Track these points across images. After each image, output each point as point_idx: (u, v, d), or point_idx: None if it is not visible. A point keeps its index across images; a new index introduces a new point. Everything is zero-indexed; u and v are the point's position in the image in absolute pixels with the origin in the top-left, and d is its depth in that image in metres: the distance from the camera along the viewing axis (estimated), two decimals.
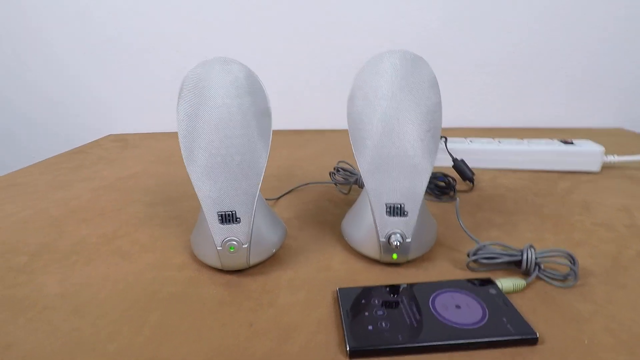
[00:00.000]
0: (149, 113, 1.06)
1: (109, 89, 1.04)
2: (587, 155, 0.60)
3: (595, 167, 0.60)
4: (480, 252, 0.37)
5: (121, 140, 0.97)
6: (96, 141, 0.98)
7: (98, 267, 0.40)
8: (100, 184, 0.65)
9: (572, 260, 0.35)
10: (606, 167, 0.62)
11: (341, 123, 1.01)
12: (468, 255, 0.37)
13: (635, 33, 0.84)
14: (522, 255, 0.36)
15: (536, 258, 0.35)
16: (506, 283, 0.34)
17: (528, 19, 0.86)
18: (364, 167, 0.37)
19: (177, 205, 0.55)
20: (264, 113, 0.37)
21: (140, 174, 0.70)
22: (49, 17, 0.97)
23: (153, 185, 0.63)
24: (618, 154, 0.62)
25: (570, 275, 0.35)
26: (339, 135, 0.93)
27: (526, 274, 0.36)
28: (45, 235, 0.48)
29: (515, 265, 0.37)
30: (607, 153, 0.61)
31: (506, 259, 0.36)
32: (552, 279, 0.35)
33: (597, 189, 0.55)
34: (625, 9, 0.83)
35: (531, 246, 0.36)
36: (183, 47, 0.97)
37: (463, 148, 0.65)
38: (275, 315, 0.32)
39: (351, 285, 0.36)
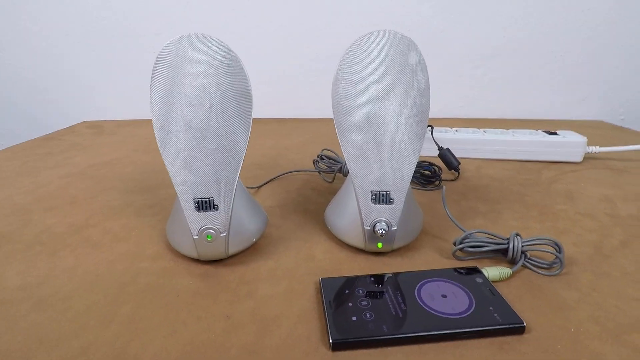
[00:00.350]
0: (126, 100, 1.01)
1: (86, 74, 0.99)
2: (571, 145, 0.60)
3: (578, 157, 0.61)
4: (466, 240, 0.36)
5: (96, 127, 0.93)
6: (69, 127, 0.93)
7: (64, 258, 0.37)
8: (72, 171, 0.62)
9: (558, 248, 0.34)
10: (588, 158, 0.63)
11: (328, 112, 0.99)
12: (454, 244, 0.37)
13: (617, 28, 0.85)
14: (508, 243, 0.35)
15: (522, 246, 0.35)
16: (492, 272, 0.33)
17: (517, 13, 0.86)
18: (348, 153, 0.35)
19: (154, 194, 0.52)
20: (244, 95, 0.34)
21: (115, 161, 0.67)
22: None
23: (129, 173, 0.60)
24: (600, 145, 0.63)
25: (555, 263, 0.35)
26: (325, 125, 0.91)
27: (512, 262, 0.36)
28: (7, 224, 0.44)
29: (501, 254, 0.36)
30: (589, 144, 0.62)
31: (492, 247, 0.36)
32: (538, 267, 0.35)
33: (580, 179, 0.55)
34: (612, 5, 0.83)
35: (517, 234, 0.35)
36: (164, 31, 0.93)
37: (449, 137, 0.65)
38: (254, 308, 0.31)
39: (335, 275, 0.34)
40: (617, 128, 0.85)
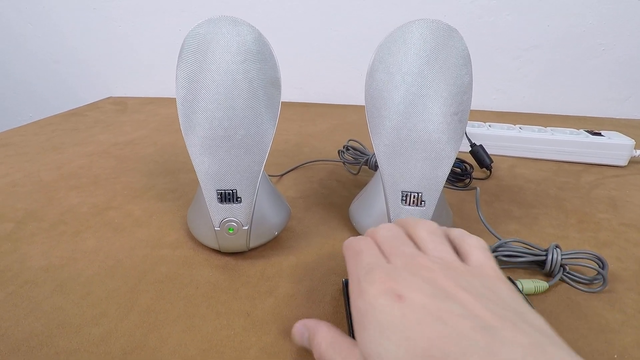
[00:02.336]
0: (152, 77, 1.01)
1: (111, 49, 0.99)
2: (616, 148, 0.56)
3: (623, 161, 0.57)
4: (500, 249, 0.34)
5: (121, 104, 0.93)
6: (94, 103, 0.94)
7: (87, 240, 0.37)
8: (96, 149, 0.62)
9: (602, 263, 0.32)
10: (633, 162, 0.58)
11: (356, 98, 0.96)
12: None
13: None
14: (547, 255, 0.33)
15: (562, 259, 0.33)
16: (527, 284, 0.31)
17: (562, 1, 0.79)
18: (380, 150, 0.33)
19: (176, 177, 0.52)
20: (273, 83, 0.33)
21: (137, 140, 0.67)
22: None
23: (151, 155, 0.60)
24: None
25: (597, 279, 0.32)
26: (351, 112, 0.89)
27: (549, 275, 0.33)
28: (33, 201, 0.45)
29: (536, 265, 0.34)
30: (636, 147, 0.57)
31: (529, 258, 0.33)
32: (577, 282, 0.32)
33: (624, 185, 0.51)
34: None
35: (557, 246, 0.33)
36: (190, 7, 0.91)
37: (481, 133, 0.61)
38: (275, 306, 0.30)
39: None
40: None
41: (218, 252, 0.36)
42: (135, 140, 0.66)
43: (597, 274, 0.32)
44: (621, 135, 0.58)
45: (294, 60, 0.94)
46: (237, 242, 0.34)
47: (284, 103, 0.95)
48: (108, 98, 1.00)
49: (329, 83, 0.96)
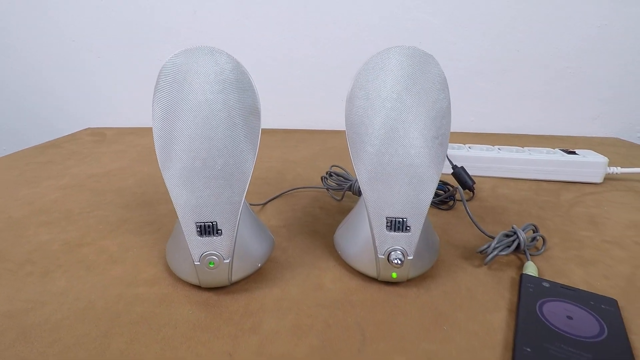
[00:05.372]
0: (131, 107, 1.00)
1: (90, 80, 0.97)
2: (591, 166, 0.57)
3: (598, 178, 0.58)
4: (498, 246, 0.37)
5: (99, 135, 0.91)
6: (72, 134, 0.92)
7: (56, 281, 0.35)
8: (70, 182, 0.59)
9: (535, 228, 0.41)
10: (608, 179, 0.60)
11: (337, 124, 0.97)
12: (484, 252, 0.37)
13: (632, 44, 0.83)
14: (518, 236, 0.38)
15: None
16: (533, 268, 0.36)
17: (530, 28, 0.84)
18: (362, 176, 0.33)
19: (154, 209, 0.50)
20: (252, 112, 0.32)
21: (115, 172, 0.65)
22: (33, 3, 0.90)
23: (129, 187, 0.58)
24: (620, 166, 0.60)
25: (536, 238, 0.40)
26: (333, 137, 0.89)
27: (521, 252, 0.39)
28: (1, 240, 0.42)
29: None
30: (609, 164, 0.59)
31: (515, 244, 0.38)
32: (532, 249, 0.40)
33: (601, 202, 0.52)
34: (628, 21, 0.81)
35: (512, 226, 0.40)
36: (170, 40, 0.92)
37: (462, 154, 0.62)
38: (259, 344, 0.28)
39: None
40: (634, 146, 0.82)
41: (198, 287, 0.34)
42: (112, 172, 0.65)
43: (537, 238, 0.40)
44: (595, 153, 0.60)
45: (274, 88, 0.95)
46: (218, 277, 0.33)
47: (265, 130, 0.95)
48: (86, 129, 0.98)
49: (310, 109, 0.97)
